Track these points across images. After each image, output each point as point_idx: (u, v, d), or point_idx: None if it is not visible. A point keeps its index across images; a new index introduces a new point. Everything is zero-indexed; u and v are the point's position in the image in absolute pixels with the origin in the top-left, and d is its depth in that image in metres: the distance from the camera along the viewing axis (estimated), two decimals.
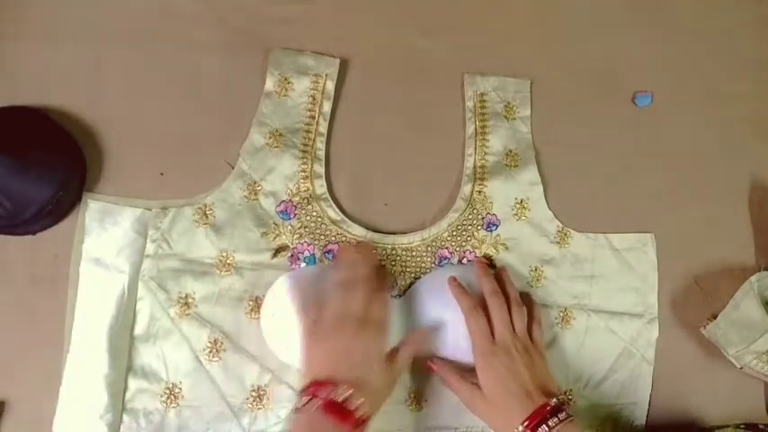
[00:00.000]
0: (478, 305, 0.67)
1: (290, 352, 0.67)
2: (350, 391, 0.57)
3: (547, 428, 0.60)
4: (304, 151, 0.72)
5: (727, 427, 0.76)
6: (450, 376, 0.68)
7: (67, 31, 0.71)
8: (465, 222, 0.74)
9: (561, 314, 0.75)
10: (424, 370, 0.71)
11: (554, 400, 0.62)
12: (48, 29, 0.70)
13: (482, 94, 0.78)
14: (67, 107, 0.69)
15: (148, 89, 0.71)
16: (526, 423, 0.61)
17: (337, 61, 0.74)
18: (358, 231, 0.72)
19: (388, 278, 0.71)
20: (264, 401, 0.68)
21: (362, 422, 0.58)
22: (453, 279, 0.70)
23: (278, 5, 0.75)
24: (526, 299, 0.73)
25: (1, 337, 0.66)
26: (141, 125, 0.70)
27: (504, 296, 0.69)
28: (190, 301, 0.68)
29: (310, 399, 0.57)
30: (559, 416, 0.61)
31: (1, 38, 0.69)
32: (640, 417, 0.77)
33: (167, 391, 0.67)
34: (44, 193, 0.64)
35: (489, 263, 0.74)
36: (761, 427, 0.76)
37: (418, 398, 0.71)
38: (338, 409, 0.56)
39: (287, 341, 0.66)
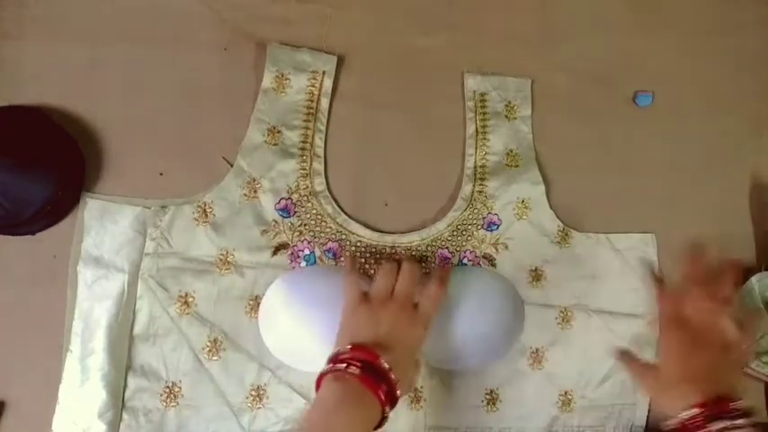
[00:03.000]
0: None
1: (286, 353, 0.67)
2: (388, 365, 0.54)
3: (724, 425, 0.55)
4: (303, 149, 0.72)
5: None
6: (627, 359, 0.69)
7: (67, 30, 0.71)
8: (465, 222, 0.74)
9: (562, 314, 0.75)
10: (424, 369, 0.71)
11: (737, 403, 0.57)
12: (47, 29, 0.71)
13: (483, 94, 0.78)
14: (67, 107, 0.70)
15: (147, 89, 0.71)
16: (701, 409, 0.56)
17: (334, 58, 0.74)
18: (358, 230, 0.72)
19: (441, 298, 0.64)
20: (264, 401, 0.68)
21: (397, 400, 0.55)
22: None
23: (277, 5, 0.75)
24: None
25: (1, 337, 0.66)
26: (140, 124, 0.71)
27: None
28: (189, 299, 0.68)
29: (348, 364, 0.54)
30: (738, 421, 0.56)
31: (1, 37, 0.69)
32: (641, 417, 0.76)
33: (167, 390, 0.67)
34: (43, 193, 0.64)
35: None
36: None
37: (418, 398, 0.71)
38: (379, 378, 0.54)
39: (284, 342, 0.66)
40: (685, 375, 0.60)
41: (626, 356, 0.69)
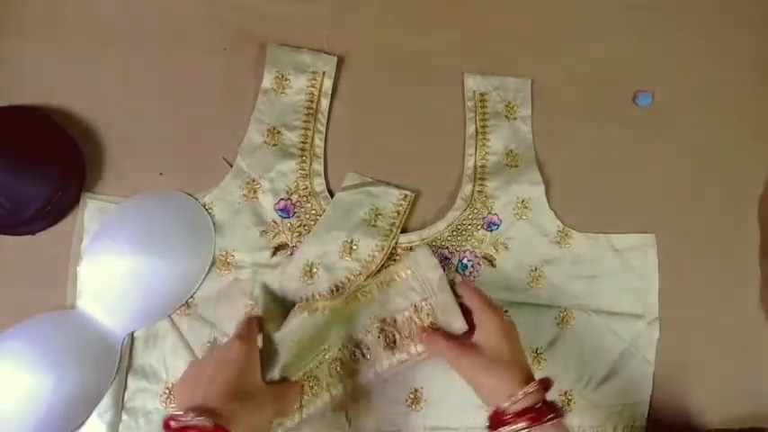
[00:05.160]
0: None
1: None
2: (189, 416, 0.52)
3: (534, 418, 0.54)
4: (302, 149, 0.72)
5: (732, 430, 0.76)
6: (438, 339, 0.63)
7: (67, 31, 0.71)
8: (465, 222, 0.74)
9: (561, 314, 0.75)
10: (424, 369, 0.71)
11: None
12: (48, 29, 0.71)
13: (483, 94, 0.78)
14: (67, 107, 0.70)
15: (147, 89, 0.72)
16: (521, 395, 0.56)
17: (334, 59, 0.74)
18: None
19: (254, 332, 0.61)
20: None
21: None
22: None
23: (277, 5, 0.75)
24: None
25: None
26: (140, 125, 0.71)
27: None
28: (189, 300, 0.68)
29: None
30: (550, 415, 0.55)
31: (1, 37, 0.70)
32: (641, 417, 0.76)
33: (167, 391, 0.67)
34: (43, 193, 0.64)
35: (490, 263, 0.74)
36: (767, 430, 0.75)
37: (418, 398, 0.71)
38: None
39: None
40: (514, 356, 0.59)
41: (436, 335, 0.63)
